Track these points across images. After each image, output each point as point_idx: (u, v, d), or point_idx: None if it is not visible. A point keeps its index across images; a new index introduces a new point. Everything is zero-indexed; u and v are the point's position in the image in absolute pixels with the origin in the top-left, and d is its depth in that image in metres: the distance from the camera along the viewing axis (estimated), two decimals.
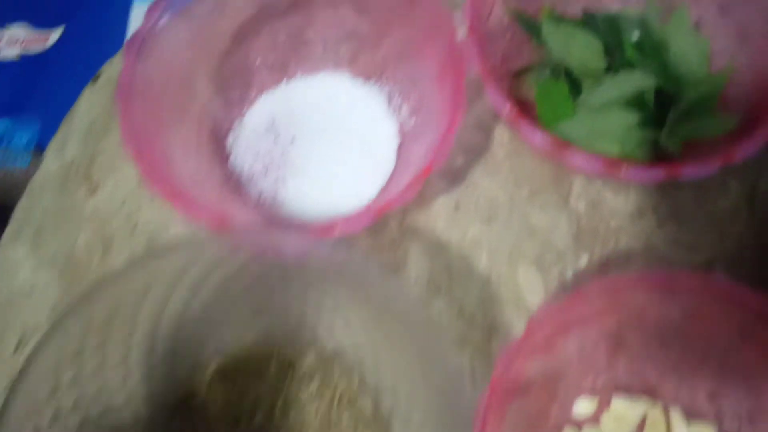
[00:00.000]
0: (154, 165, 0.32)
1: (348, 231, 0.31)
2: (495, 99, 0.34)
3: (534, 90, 0.41)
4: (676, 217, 0.39)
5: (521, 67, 0.42)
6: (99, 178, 0.41)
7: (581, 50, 0.40)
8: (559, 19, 0.41)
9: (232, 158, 0.40)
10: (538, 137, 0.33)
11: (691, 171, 0.32)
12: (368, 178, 0.39)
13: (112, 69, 0.44)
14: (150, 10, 0.35)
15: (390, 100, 0.41)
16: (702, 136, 0.38)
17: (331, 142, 0.40)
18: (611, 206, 0.40)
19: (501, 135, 0.41)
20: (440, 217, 0.39)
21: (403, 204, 0.32)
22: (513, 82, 0.42)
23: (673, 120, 0.38)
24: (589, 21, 0.41)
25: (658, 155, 0.39)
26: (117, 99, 0.32)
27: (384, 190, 0.39)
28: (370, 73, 0.42)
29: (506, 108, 0.34)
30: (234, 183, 0.39)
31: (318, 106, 0.41)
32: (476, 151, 0.41)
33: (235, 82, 0.40)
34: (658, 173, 0.32)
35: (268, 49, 0.41)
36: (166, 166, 0.34)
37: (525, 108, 0.41)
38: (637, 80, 0.39)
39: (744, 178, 0.40)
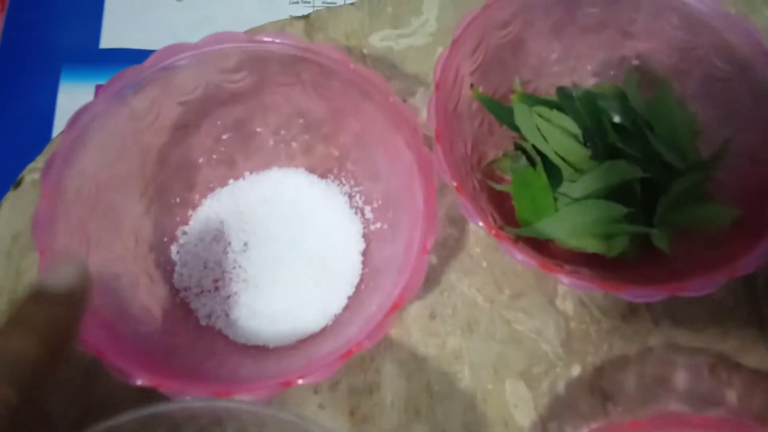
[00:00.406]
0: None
1: (311, 382, 0.27)
2: (469, 214, 0.30)
3: (510, 176, 0.37)
4: (673, 314, 0.36)
5: (495, 157, 0.38)
6: None
7: (558, 136, 0.37)
8: (531, 99, 0.38)
9: (177, 273, 0.35)
10: (519, 257, 0.30)
11: (694, 289, 0.29)
12: (332, 290, 0.35)
13: (37, 171, 0.39)
14: (73, 119, 0.30)
15: (350, 199, 0.37)
16: (695, 228, 0.35)
17: (287, 248, 0.35)
18: (601, 305, 0.36)
19: (476, 228, 0.38)
20: (415, 327, 0.35)
21: (374, 343, 0.27)
22: (487, 170, 0.38)
23: (662, 212, 0.35)
24: (564, 100, 0.38)
25: (645, 250, 0.35)
26: (34, 236, 0.28)
27: (350, 306, 0.34)
28: (327, 167, 0.38)
29: (481, 224, 0.30)
30: (180, 301, 0.34)
31: (271, 207, 0.36)
32: (450, 248, 0.37)
33: (176, 185, 0.36)
34: (659, 293, 0.29)
35: (210, 144, 0.36)
36: (99, 296, 0.29)
37: (501, 199, 0.38)
38: (623, 170, 0.35)
39: None
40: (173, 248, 0.35)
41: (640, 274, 0.35)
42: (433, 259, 0.37)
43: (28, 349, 0.22)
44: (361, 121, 0.35)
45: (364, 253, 0.36)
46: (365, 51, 0.41)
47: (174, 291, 0.35)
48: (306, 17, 0.43)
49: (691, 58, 0.38)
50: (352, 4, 0.43)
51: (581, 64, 0.40)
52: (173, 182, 0.36)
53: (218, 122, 0.36)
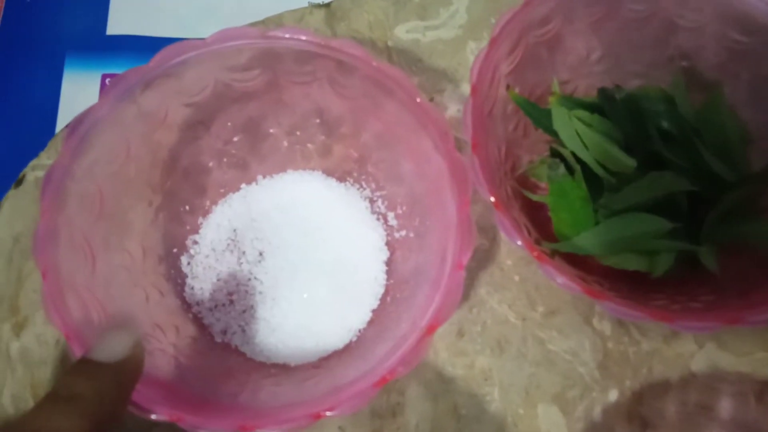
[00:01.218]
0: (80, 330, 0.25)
1: (341, 414, 0.25)
2: (509, 233, 0.28)
3: (545, 184, 0.35)
4: (718, 337, 0.34)
5: (530, 163, 0.36)
6: (28, 311, 0.33)
7: (599, 142, 0.34)
8: (571, 102, 0.35)
9: (188, 286, 0.33)
10: (561, 281, 0.27)
11: (750, 322, 0.26)
12: (354, 303, 0.33)
13: (40, 168, 0.36)
14: (74, 124, 0.28)
15: (372, 204, 0.35)
16: (746, 247, 0.32)
17: (305, 258, 0.33)
18: (641, 325, 0.34)
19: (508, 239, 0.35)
20: (442, 345, 0.33)
21: (410, 370, 0.25)
22: (520, 177, 0.36)
23: (710, 228, 0.33)
24: (605, 103, 0.35)
25: (691, 269, 0.33)
26: (35, 255, 0.25)
27: (375, 320, 0.32)
28: (346, 170, 0.35)
29: (521, 243, 0.28)
30: (193, 317, 0.32)
31: (287, 214, 0.34)
32: (479, 260, 0.35)
33: (185, 192, 0.33)
34: (711, 326, 0.26)
35: (221, 147, 0.34)
36: (102, 315, 0.27)
37: (535, 209, 0.35)
38: (669, 182, 0.33)
39: None
40: (183, 259, 0.33)
41: (684, 294, 0.32)
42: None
43: (72, 429, 0.19)
44: (383, 121, 0.33)
45: (389, 263, 0.34)
46: (390, 43, 0.39)
47: (186, 306, 0.32)
48: (327, 6, 0.40)
49: (742, 59, 0.35)
50: None
51: (624, 64, 0.38)
52: (182, 189, 0.33)
53: (229, 123, 0.33)
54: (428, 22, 0.39)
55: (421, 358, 0.25)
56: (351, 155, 0.35)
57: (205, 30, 0.30)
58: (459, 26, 0.39)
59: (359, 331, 0.32)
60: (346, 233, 0.34)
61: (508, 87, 0.34)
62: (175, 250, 0.33)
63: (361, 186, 0.35)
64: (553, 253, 0.33)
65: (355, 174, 0.35)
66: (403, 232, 0.34)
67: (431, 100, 0.38)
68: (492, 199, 0.29)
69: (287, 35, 0.30)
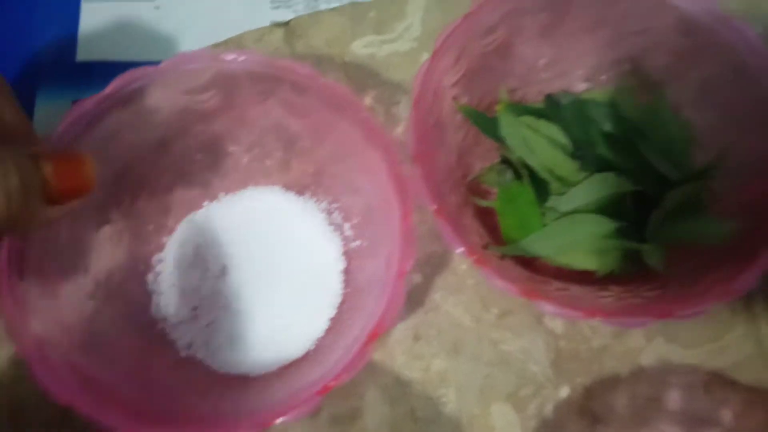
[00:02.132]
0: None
1: (291, 420, 0.26)
2: (449, 238, 0.29)
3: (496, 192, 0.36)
4: (666, 331, 0.35)
5: (481, 170, 0.37)
6: None
7: (545, 147, 0.35)
8: (518, 109, 0.36)
9: (154, 303, 0.34)
10: (500, 284, 0.28)
11: (680, 316, 0.27)
12: (313, 312, 0.34)
13: None
14: None
15: (329, 215, 0.36)
16: (691, 244, 0.33)
17: (266, 270, 0.34)
18: (592, 322, 0.35)
19: None
20: (399, 350, 0.35)
21: (352, 376, 0.27)
22: (473, 184, 0.37)
23: (654, 226, 0.34)
24: (552, 109, 0.37)
25: (640, 267, 0.34)
26: None
27: (333, 328, 0.33)
28: (303, 184, 0.36)
29: (460, 250, 0.29)
30: (158, 332, 0.34)
31: (248, 228, 0.35)
32: (434, 265, 0.36)
33: (149, 212, 0.35)
34: (643, 321, 0.28)
35: (183, 166, 0.35)
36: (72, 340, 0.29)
37: (489, 215, 0.36)
38: (613, 183, 0.34)
39: None
40: (149, 277, 0.34)
41: (630, 291, 0.33)
42: (417, 278, 0.36)
43: None
44: (336, 137, 0.34)
45: (346, 272, 0.35)
46: (347, 59, 0.40)
47: (152, 322, 0.34)
48: (286, 24, 0.41)
49: (686, 62, 0.36)
50: (334, 9, 0.42)
51: (572, 69, 0.39)
52: (146, 208, 0.35)
53: (189, 143, 0.35)
54: (384, 36, 0.41)
55: (362, 364, 0.27)
56: (308, 170, 0.36)
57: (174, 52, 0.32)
58: (414, 39, 0.41)
59: (317, 339, 0.33)
60: (305, 245, 0.35)
61: (454, 98, 0.35)
62: (141, 269, 0.34)
63: (318, 199, 0.36)
64: (503, 256, 0.34)
65: (312, 187, 0.36)
66: (358, 242, 0.35)
67: (388, 111, 0.39)
68: (433, 207, 0.30)
69: (238, 57, 0.32)
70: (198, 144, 0.35)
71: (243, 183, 0.36)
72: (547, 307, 0.28)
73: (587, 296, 0.34)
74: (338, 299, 0.34)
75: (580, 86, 0.39)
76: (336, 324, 0.34)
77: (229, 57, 0.32)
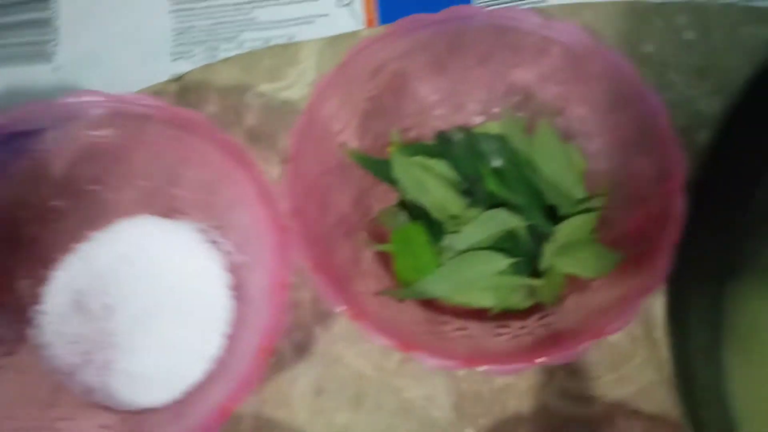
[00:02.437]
0: None
1: None
2: (328, 296, 0.29)
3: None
4: (568, 364, 0.34)
5: (378, 212, 0.37)
6: None
7: (438, 187, 0.35)
8: (410, 149, 0.36)
9: (43, 356, 0.34)
10: (378, 339, 0.28)
11: (560, 356, 0.27)
12: (207, 331, 0.34)
13: None
14: None
15: (206, 234, 0.36)
16: (582, 276, 0.33)
17: (152, 301, 0.34)
18: None
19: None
20: (301, 406, 0.34)
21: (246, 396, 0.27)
22: (373, 225, 0.37)
23: (546, 259, 0.34)
24: (443, 146, 0.37)
25: (536, 301, 0.34)
26: None
27: (230, 344, 0.33)
28: (173, 207, 0.36)
29: (340, 309, 0.29)
30: (55, 384, 0.33)
31: (125, 263, 0.35)
32: (335, 315, 0.36)
33: (19, 267, 0.34)
34: (521, 366, 0.27)
35: (46, 213, 0.35)
36: None
37: (391, 258, 0.36)
38: (503, 220, 0.34)
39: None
40: (30, 332, 0.34)
41: (527, 328, 0.33)
42: (318, 330, 0.35)
43: None
44: (200, 160, 0.34)
45: (235, 287, 0.35)
46: (241, 110, 0.40)
47: (46, 374, 0.33)
48: (179, 79, 0.41)
49: (574, 92, 0.36)
50: (226, 60, 0.41)
51: (465, 103, 0.39)
52: (15, 263, 0.34)
53: (48, 189, 0.34)
54: (278, 84, 0.41)
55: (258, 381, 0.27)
56: (177, 194, 0.36)
57: None
58: (308, 84, 0.41)
59: (216, 358, 0.33)
60: (185, 268, 0.35)
61: (340, 144, 0.35)
62: (21, 326, 0.34)
63: (192, 219, 0.36)
64: (401, 300, 0.34)
65: (183, 209, 0.36)
66: (243, 256, 0.35)
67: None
68: (309, 264, 0.30)
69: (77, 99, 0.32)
70: (58, 187, 0.34)
71: (112, 218, 0.36)
72: (427, 360, 0.28)
73: (485, 335, 0.33)
74: (229, 314, 0.34)
75: (476, 120, 0.39)
76: (232, 340, 0.34)
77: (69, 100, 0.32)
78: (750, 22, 0.40)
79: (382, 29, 0.38)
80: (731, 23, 0.40)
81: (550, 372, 0.34)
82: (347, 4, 0.45)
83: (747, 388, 0.32)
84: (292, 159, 0.31)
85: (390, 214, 0.36)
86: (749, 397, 0.32)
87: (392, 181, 0.36)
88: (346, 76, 0.34)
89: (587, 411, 0.33)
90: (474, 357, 0.28)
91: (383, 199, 0.38)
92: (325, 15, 0.45)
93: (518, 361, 0.28)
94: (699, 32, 0.40)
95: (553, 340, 0.31)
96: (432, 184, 0.35)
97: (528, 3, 0.44)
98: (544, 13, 0.41)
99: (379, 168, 0.36)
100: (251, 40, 0.44)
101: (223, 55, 0.43)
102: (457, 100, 0.38)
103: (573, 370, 0.34)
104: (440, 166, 0.36)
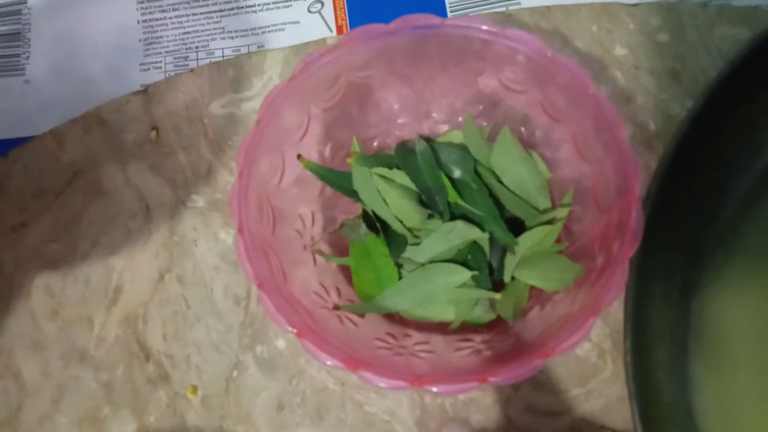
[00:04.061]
0: None
1: None
2: (274, 317, 0.28)
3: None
4: (534, 378, 0.34)
5: (340, 225, 0.36)
6: None
7: (398, 198, 0.34)
8: (371, 160, 0.36)
9: None
10: (322, 358, 0.28)
11: (507, 377, 0.27)
12: None
13: None
14: None
15: None
16: (545, 289, 0.33)
17: None
18: None
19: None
20: (263, 421, 0.34)
21: None
22: (334, 238, 0.36)
23: (508, 271, 0.33)
24: (404, 156, 0.36)
25: (497, 314, 0.33)
26: None
27: None
28: None
29: (290, 330, 0.28)
30: None
31: None
32: None
33: None
34: (469, 386, 0.27)
35: None
36: None
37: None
38: (463, 231, 0.33)
39: (604, 314, 0.35)
40: None
41: (487, 342, 0.32)
42: (281, 344, 0.35)
43: None
44: None
45: None
46: (206, 120, 0.39)
47: None
48: (144, 91, 0.41)
49: (538, 102, 0.35)
50: (191, 70, 0.41)
51: (431, 112, 0.38)
52: None
53: None
54: (242, 94, 0.40)
55: None
56: None
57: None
58: None
59: None
60: None
61: (299, 156, 0.35)
62: None
63: None
64: (362, 315, 0.34)
65: None
66: None
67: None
68: (255, 282, 0.29)
69: None
70: None
71: None
72: (373, 379, 0.27)
73: (447, 349, 0.33)
74: None
75: (442, 128, 0.38)
76: None
77: None
78: (725, 23, 0.39)
79: (335, 39, 0.38)
80: (706, 24, 0.39)
81: (515, 386, 0.33)
82: (318, 11, 0.45)
83: (716, 403, 0.31)
84: (239, 174, 0.31)
85: (352, 227, 0.35)
86: (718, 412, 0.31)
87: (352, 193, 0.35)
88: (297, 87, 0.33)
89: (553, 426, 0.32)
90: (425, 376, 0.28)
91: (348, 210, 0.37)
92: (296, 22, 0.44)
93: (468, 380, 0.27)
94: (673, 34, 0.39)
95: (513, 355, 0.30)
96: (392, 196, 0.35)
97: (500, 5, 0.43)
98: (513, 17, 0.41)
99: (337, 179, 0.35)
100: (221, 48, 0.44)
101: (193, 64, 0.43)
102: (422, 109, 0.38)
103: (539, 384, 0.33)
104: (400, 177, 0.35)
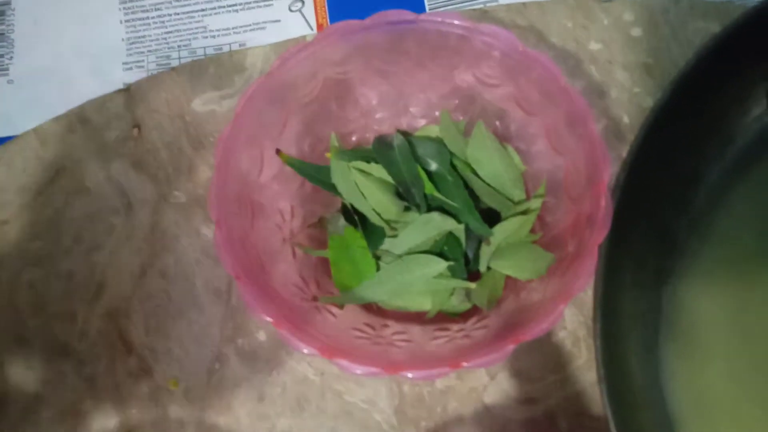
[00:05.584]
0: None
1: None
2: (251, 307, 0.29)
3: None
4: (510, 365, 0.34)
5: (319, 218, 0.37)
6: None
7: (375, 192, 0.35)
8: (349, 154, 0.36)
9: None
10: (306, 351, 0.28)
11: (479, 362, 0.27)
12: None
13: None
14: None
15: None
16: (519, 278, 0.33)
17: None
18: None
19: None
20: (243, 412, 0.34)
21: None
22: (318, 232, 0.37)
23: (484, 261, 0.33)
24: (381, 150, 0.36)
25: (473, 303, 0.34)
26: None
27: None
28: None
29: (268, 319, 0.29)
30: None
31: None
32: None
33: None
34: (443, 371, 0.27)
35: None
36: None
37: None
38: (438, 223, 0.34)
39: (579, 303, 0.35)
40: None
41: (463, 330, 0.33)
42: (262, 336, 0.35)
43: None
44: None
45: None
46: (188, 118, 0.40)
47: None
48: (127, 90, 0.41)
49: (513, 96, 0.36)
50: (173, 68, 0.42)
51: (409, 107, 0.39)
52: None
53: None
54: (223, 91, 0.41)
55: None
56: None
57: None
58: None
59: None
60: None
61: (278, 151, 0.35)
62: None
63: None
64: (342, 305, 0.34)
65: None
66: None
67: None
68: (233, 275, 0.30)
69: None
70: None
71: None
72: (350, 367, 0.28)
73: (424, 338, 0.33)
74: None
75: (420, 123, 0.39)
76: None
77: None
78: (697, 18, 0.40)
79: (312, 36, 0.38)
80: (679, 19, 0.40)
81: (491, 373, 0.34)
82: (298, 10, 0.45)
83: (688, 388, 0.32)
84: (217, 167, 0.31)
85: (331, 220, 0.36)
86: (690, 397, 0.32)
87: (331, 187, 0.36)
88: (275, 83, 0.34)
89: (529, 413, 0.33)
90: (400, 362, 0.28)
91: (328, 204, 0.38)
92: (277, 21, 0.45)
93: (442, 365, 0.28)
94: (646, 29, 0.40)
95: (488, 342, 0.30)
96: (370, 189, 0.35)
97: (478, 3, 0.44)
98: (490, 13, 0.41)
99: (315, 173, 0.36)
100: (203, 47, 0.44)
101: (175, 63, 0.44)
102: (400, 104, 0.38)
103: (515, 372, 0.34)
104: (378, 170, 0.36)
